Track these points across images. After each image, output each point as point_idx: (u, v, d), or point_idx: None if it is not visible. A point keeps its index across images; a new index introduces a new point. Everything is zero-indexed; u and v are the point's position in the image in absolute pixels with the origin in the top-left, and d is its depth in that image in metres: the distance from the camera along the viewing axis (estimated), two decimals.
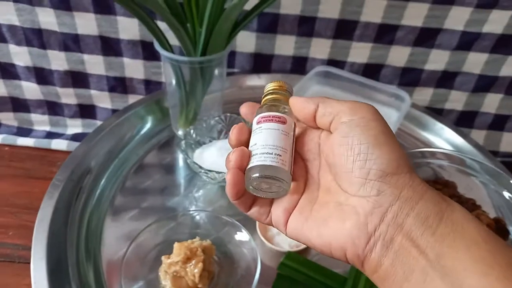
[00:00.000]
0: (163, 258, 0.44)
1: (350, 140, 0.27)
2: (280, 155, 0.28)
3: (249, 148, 0.29)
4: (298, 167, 0.30)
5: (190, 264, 0.43)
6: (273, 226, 0.30)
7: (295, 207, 0.29)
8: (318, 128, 0.30)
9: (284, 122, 0.29)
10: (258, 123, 0.29)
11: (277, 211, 0.29)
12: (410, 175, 0.26)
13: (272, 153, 0.28)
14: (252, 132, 0.30)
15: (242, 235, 0.49)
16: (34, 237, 0.45)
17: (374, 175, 0.26)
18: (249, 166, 0.28)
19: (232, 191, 0.28)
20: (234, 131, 0.30)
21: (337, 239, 0.26)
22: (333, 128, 0.28)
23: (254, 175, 0.27)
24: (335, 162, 0.28)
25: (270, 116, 0.29)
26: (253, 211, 0.30)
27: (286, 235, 0.29)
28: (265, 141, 0.28)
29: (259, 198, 0.30)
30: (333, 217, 0.27)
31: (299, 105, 0.30)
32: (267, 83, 0.32)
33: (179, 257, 0.42)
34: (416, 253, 0.24)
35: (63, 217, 0.49)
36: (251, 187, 0.28)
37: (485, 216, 0.50)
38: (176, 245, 0.44)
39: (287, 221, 0.29)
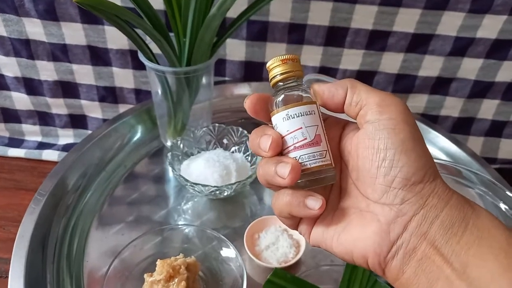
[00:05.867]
0: (145, 276, 0.43)
1: (376, 144, 0.25)
2: (322, 151, 0.26)
3: (285, 137, 0.27)
4: None
5: (173, 282, 0.42)
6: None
7: (318, 217, 0.28)
8: (339, 123, 0.29)
9: (313, 112, 0.27)
10: (284, 109, 0.27)
11: (303, 223, 0.29)
12: (436, 182, 0.25)
13: (314, 153, 0.26)
14: (281, 117, 0.27)
15: (229, 251, 0.47)
16: (13, 254, 0.44)
17: (399, 184, 0.24)
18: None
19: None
20: (248, 102, 0.28)
21: (358, 247, 0.26)
22: (359, 123, 0.27)
23: (302, 182, 0.26)
24: (358, 164, 0.26)
25: (294, 107, 0.26)
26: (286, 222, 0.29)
27: (310, 243, 0.29)
28: (303, 136, 0.26)
29: None
30: (353, 224, 0.26)
31: (327, 93, 0.27)
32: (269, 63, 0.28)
33: (161, 275, 0.41)
34: (441, 261, 0.23)
35: (44, 233, 0.48)
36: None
37: None
38: (159, 262, 0.43)
39: (311, 231, 0.28)
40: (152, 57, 0.53)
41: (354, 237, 0.26)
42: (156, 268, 0.43)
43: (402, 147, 0.25)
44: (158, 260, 0.43)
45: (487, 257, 0.23)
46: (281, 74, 0.27)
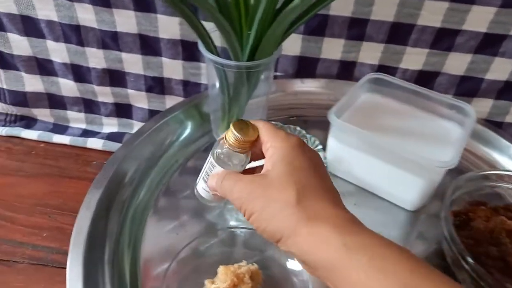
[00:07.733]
0: (206, 282, 0.41)
1: None
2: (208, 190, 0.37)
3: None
4: None
5: None
6: None
7: None
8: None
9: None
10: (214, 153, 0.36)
11: None
12: (291, 239, 0.29)
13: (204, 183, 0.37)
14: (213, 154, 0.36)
15: (293, 263, 0.44)
16: (70, 253, 0.43)
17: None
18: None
19: None
20: None
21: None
22: None
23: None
24: None
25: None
26: None
27: None
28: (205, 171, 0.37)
29: None
30: None
31: None
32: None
33: (225, 283, 0.39)
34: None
35: (100, 231, 0.46)
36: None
37: None
38: (221, 269, 0.41)
39: None
40: (214, 49, 0.50)
41: None
42: (219, 275, 0.41)
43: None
44: (220, 266, 0.41)
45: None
46: (233, 144, 0.35)
